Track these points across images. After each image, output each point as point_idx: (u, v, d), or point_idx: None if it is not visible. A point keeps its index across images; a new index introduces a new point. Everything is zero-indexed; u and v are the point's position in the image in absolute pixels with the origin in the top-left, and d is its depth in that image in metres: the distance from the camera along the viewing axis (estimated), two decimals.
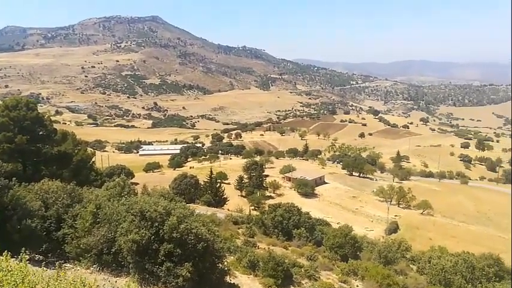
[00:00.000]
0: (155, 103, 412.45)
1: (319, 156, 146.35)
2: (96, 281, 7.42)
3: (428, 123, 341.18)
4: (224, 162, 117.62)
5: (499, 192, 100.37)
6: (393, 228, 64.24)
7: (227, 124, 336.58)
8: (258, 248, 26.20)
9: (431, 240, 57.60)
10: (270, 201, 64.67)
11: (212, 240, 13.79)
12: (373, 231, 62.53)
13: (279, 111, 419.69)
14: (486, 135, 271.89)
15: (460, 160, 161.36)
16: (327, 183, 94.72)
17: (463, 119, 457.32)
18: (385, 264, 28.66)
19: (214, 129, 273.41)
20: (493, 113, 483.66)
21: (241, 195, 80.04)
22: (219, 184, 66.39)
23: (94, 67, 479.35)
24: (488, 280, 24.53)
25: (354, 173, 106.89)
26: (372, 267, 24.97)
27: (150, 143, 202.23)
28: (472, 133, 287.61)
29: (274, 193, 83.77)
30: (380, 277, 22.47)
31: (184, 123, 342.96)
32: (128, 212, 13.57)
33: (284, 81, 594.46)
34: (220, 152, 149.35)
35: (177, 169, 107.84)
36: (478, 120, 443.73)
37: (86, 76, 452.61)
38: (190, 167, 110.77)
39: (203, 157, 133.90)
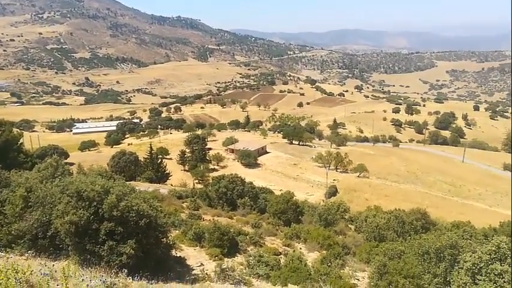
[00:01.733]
0: (87, 78, 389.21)
1: (260, 127, 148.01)
2: (30, 267, 7.05)
3: (362, 91, 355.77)
4: (164, 137, 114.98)
5: (425, 153, 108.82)
6: (332, 192, 67.33)
7: (165, 98, 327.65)
8: (203, 220, 26.35)
9: (368, 200, 61.38)
10: (214, 174, 64.71)
11: (155, 216, 13.65)
12: (313, 195, 65.22)
13: (218, 83, 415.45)
14: (414, 100, 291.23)
15: (392, 124, 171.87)
16: (268, 152, 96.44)
17: (393, 86, 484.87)
18: (326, 226, 30.25)
19: (152, 104, 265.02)
20: (419, 79, 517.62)
21: (184, 170, 79.25)
22: (160, 160, 64.99)
23: (13, 40, 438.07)
24: (416, 232, 26.96)
25: (294, 142, 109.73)
26: (313, 229, 26.26)
27: (84, 121, 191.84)
28: (402, 98, 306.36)
29: (217, 165, 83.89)
30: (321, 238, 23.77)
31: (119, 98, 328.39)
32: (63, 193, 12.97)
33: (222, 52, 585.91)
34: (159, 127, 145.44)
35: (114, 146, 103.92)
36: (406, 86, 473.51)
37: (4, 50, 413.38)
38: (129, 144, 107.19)
39: (142, 133, 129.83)
